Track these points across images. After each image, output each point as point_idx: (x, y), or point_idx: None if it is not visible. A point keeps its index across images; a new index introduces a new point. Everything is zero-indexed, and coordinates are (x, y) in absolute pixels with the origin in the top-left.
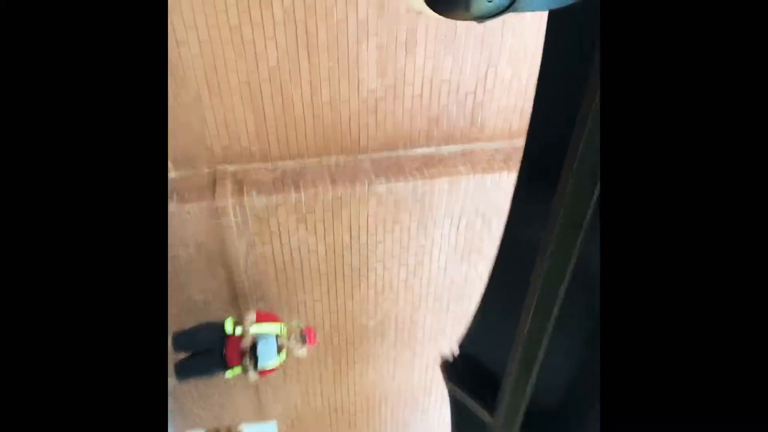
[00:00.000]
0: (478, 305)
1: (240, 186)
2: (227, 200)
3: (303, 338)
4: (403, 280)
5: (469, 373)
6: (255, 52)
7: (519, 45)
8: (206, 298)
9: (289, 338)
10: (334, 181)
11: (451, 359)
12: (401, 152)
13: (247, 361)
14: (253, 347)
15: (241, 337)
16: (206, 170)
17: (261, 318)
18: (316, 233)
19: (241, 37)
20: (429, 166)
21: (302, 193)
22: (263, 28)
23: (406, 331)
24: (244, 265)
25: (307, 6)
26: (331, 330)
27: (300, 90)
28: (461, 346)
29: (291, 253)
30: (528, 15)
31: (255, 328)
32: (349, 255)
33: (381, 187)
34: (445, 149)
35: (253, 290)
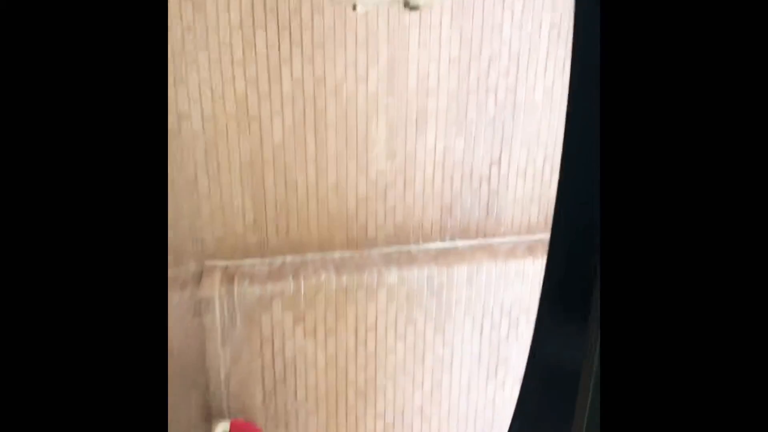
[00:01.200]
0: None
1: (231, 277)
2: (214, 290)
3: None
4: (419, 408)
5: None
6: (260, 128)
7: (532, 126)
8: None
9: None
10: (338, 271)
11: None
12: (413, 246)
13: None
14: None
15: None
16: (193, 267)
17: (237, 430)
18: (315, 337)
19: (247, 110)
20: (445, 255)
21: (302, 283)
22: (270, 101)
23: None
24: (225, 386)
25: (316, 79)
26: None
27: (305, 172)
28: None
29: (284, 368)
30: (540, 92)
31: None
32: (353, 369)
33: (392, 277)
34: (461, 243)
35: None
